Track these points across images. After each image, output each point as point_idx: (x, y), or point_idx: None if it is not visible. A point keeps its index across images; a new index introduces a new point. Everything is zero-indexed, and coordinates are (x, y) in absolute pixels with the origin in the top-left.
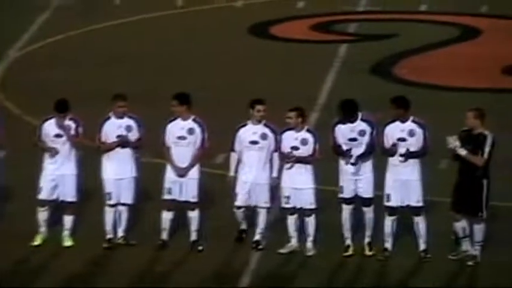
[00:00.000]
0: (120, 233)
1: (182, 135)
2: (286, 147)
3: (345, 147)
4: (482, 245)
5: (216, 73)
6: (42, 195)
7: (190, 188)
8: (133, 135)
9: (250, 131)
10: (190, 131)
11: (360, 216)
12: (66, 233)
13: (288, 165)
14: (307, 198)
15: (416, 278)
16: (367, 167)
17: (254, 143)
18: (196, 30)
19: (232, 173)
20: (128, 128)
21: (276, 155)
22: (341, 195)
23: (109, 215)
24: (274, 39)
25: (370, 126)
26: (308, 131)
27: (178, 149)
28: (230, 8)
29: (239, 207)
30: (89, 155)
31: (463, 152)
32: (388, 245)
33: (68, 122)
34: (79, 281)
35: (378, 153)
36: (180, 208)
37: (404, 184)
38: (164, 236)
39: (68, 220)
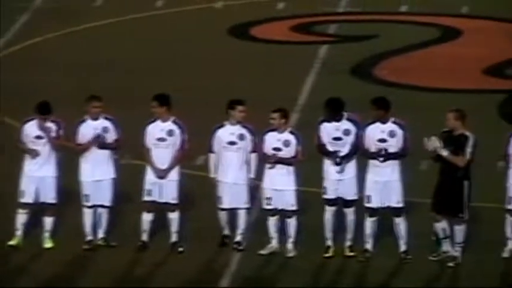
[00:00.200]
0: (101, 234)
1: (162, 137)
2: (268, 148)
3: (330, 148)
4: (462, 246)
5: (196, 74)
6: (24, 199)
7: (170, 190)
8: (111, 137)
9: (227, 132)
10: (170, 133)
11: (342, 218)
12: (46, 234)
13: (269, 166)
14: (289, 200)
15: (397, 279)
16: (351, 168)
17: (232, 143)
18: (176, 32)
19: (212, 174)
20: (105, 130)
21: (253, 156)
22: (324, 196)
23: (88, 216)
24: (255, 40)
25: (356, 126)
26: (291, 132)
27: (158, 151)
28: (210, 9)
29: (223, 209)
30: (69, 157)
31: (445, 152)
32: (369, 246)
33: (50, 124)
34: (59, 283)
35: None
36: (160, 209)
37: (385, 185)
38: (144, 237)
39: (48, 222)
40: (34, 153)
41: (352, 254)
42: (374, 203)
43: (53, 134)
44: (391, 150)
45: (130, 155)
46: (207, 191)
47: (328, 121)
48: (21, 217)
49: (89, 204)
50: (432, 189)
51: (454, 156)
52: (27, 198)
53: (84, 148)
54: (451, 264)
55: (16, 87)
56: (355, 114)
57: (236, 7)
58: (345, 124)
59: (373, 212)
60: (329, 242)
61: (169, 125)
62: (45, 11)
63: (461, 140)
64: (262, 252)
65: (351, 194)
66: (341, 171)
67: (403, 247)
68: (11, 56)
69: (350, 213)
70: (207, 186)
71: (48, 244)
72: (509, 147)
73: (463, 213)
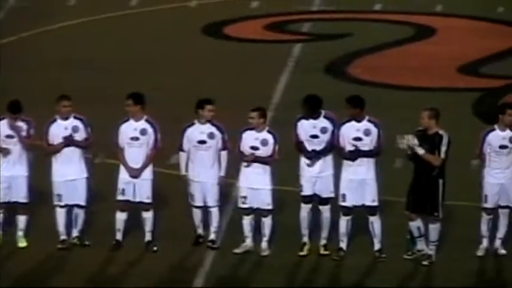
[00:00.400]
0: (75, 233)
1: (135, 136)
2: (245, 147)
3: (307, 145)
4: (437, 244)
5: (170, 73)
6: None
7: (144, 189)
8: (81, 136)
9: (197, 131)
10: (143, 132)
11: (317, 216)
12: (20, 234)
13: (245, 164)
14: (264, 199)
15: (371, 278)
16: (329, 165)
17: (202, 142)
18: (150, 30)
19: (183, 173)
20: (75, 129)
21: (224, 153)
22: (301, 193)
23: (60, 216)
24: (228, 39)
25: (332, 124)
26: (269, 131)
27: (132, 150)
28: (184, 8)
29: (196, 207)
30: (41, 156)
31: (421, 151)
32: (343, 244)
33: (20, 123)
34: (33, 282)
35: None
36: (134, 208)
37: (360, 184)
38: (118, 236)
39: (21, 221)
40: (5, 152)
41: (326, 252)
42: (349, 202)
43: (24, 133)
44: (365, 148)
45: (104, 154)
46: (181, 190)
47: (306, 118)
48: None
49: (62, 204)
50: (406, 187)
51: (429, 155)
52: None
53: (55, 149)
54: (425, 262)
55: None
56: (332, 112)
57: (210, 6)
58: (322, 122)
59: (347, 210)
60: (305, 239)
61: (142, 124)
62: (19, 10)
63: (435, 139)
64: (237, 251)
65: (327, 192)
66: (311, 165)
67: (377, 246)
68: None
69: (326, 210)
70: (180, 185)
71: (22, 243)
72: (484, 145)
73: (438, 212)
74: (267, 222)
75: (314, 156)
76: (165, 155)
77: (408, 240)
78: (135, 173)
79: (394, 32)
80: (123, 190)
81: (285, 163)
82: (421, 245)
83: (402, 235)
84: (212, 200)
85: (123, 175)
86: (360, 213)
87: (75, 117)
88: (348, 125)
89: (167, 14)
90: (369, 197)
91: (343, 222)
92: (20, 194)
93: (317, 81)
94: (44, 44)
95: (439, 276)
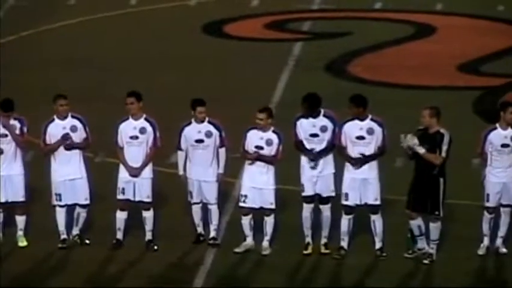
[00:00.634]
0: (76, 231)
1: (134, 135)
2: (250, 146)
3: (306, 144)
4: (438, 243)
5: (170, 72)
6: None
7: (144, 188)
8: (80, 135)
9: (195, 130)
10: (143, 130)
11: (318, 215)
12: (20, 233)
13: (249, 162)
14: (267, 198)
15: (372, 277)
16: (329, 164)
17: (199, 141)
18: (150, 29)
19: (181, 172)
20: (73, 128)
21: (222, 151)
22: (302, 194)
23: (60, 215)
24: (228, 37)
25: (332, 122)
26: (274, 131)
27: (131, 149)
28: (184, 6)
29: (195, 203)
30: (36, 155)
31: (421, 150)
32: (344, 243)
33: (13, 122)
34: (33, 281)
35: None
36: (134, 207)
37: (362, 183)
38: (119, 235)
39: (20, 220)
40: None
41: (327, 251)
42: (351, 201)
43: (17, 132)
44: (368, 152)
45: (104, 153)
46: (180, 189)
47: (305, 117)
48: None
49: (62, 203)
50: (407, 186)
51: (430, 154)
52: None
53: (51, 148)
54: (426, 261)
55: None
56: (332, 111)
57: (210, 4)
58: (322, 120)
59: (349, 209)
60: (308, 239)
61: (141, 122)
62: (19, 9)
63: (437, 137)
64: (237, 250)
65: (328, 191)
66: (315, 167)
67: (378, 244)
68: None
69: (326, 209)
70: (180, 183)
71: (22, 243)
72: (486, 144)
73: (439, 211)
74: (269, 221)
75: (316, 158)
76: (164, 154)
77: (409, 239)
78: (135, 172)
79: (394, 31)
80: (123, 189)
81: (287, 162)
82: (421, 243)
83: (403, 234)
84: (211, 197)
85: (123, 174)
86: (360, 212)
87: (72, 116)
88: (350, 123)
89: (167, 12)
90: (372, 195)
91: (345, 221)
92: (17, 194)
93: (317, 79)
94: (44, 43)
95: (440, 275)
